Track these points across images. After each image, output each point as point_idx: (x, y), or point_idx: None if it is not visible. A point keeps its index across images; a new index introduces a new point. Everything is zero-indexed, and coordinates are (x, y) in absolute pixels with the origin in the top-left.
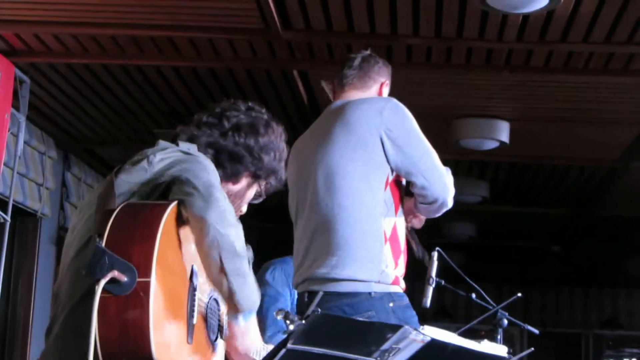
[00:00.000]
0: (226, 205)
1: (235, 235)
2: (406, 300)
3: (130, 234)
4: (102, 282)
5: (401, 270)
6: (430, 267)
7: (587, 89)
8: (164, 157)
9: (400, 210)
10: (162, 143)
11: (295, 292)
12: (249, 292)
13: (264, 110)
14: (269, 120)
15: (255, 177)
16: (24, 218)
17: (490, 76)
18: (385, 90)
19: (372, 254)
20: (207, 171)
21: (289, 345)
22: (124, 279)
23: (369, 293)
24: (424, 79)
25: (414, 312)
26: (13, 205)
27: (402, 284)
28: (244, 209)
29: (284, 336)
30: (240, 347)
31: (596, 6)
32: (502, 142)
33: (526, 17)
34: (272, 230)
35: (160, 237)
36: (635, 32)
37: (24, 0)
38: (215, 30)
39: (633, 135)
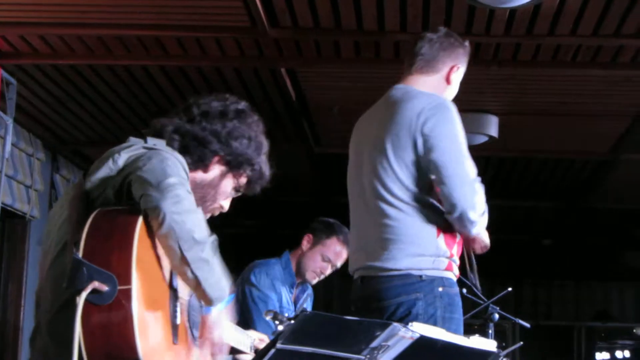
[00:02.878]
0: (183, 192)
1: (193, 221)
2: (456, 288)
3: (107, 242)
4: (84, 294)
5: (455, 258)
6: None
7: (576, 82)
8: (128, 154)
9: None
10: (130, 140)
11: (282, 294)
12: (216, 280)
13: (242, 102)
14: (244, 109)
15: (228, 165)
16: (13, 220)
17: (478, 71)
18: (455, 76)
19: (424, 248)
20: (166, 163)
21: (279, 345)
22: (105, 288)
23: (420, 276)
24: None
25: (460, 302)
26: (2, 207)
27: (456, 271)
28: (226, 205)
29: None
30: (213, 339)
31: None
32: (491, 137)
33: (513, 11)
34: (265, 227)
35: (137, 242)
36: (622, 25)
37: (8, 2)
38: (202, 28)
39: (622, 127)
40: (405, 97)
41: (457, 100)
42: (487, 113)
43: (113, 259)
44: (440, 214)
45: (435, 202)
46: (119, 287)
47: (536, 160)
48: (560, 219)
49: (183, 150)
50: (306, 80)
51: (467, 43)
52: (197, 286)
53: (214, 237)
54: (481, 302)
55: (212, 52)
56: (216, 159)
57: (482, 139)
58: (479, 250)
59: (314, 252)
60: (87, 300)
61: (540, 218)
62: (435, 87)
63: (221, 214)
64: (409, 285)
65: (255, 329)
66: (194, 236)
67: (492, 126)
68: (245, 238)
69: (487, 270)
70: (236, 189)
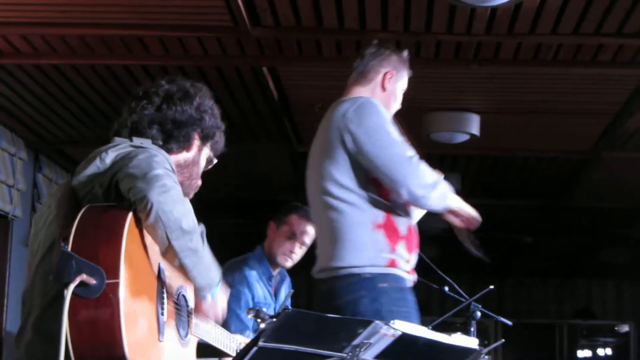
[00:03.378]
0: (170, 182)
1: (181, 211)
2: (404, 283)
3: (96, 236)
4: (72, 287)
5: (402, 254)
6: None
7: (557, 80)
8: (115, 153)
9: (394, 198)
10: (116, 140)
11: (256, 290)
12: (204, 268)
13: (184, 79)
14: (194, 83)
15: (204, 138)
16: None
17: (459, 69)
18: (390, 82)
19: (362, 243)
20: (154, 159)
21: (260, 343)
22: (93, 281)
23: (360, 274)
24: None
25: (410, 297)
26: None
27: (405, 267)
28: (200, 180)
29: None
30: (211, 318)
31: None
32: (472, 135)
33: (494, 10)
34: (247, 226)
35: (126, 237)
36: (603, 23)
37: None
38: (184, 28)
39: (603, 125)
40: (335, 105)
41: (438, 99)
42: (469, 112)
43: (101, 253)
44: (380, 208)
45: (374, 196)
46: (107, 281)
47: (517, 158)
48: (541, 217)
49: (167, 138)
50: (288, 79)
51: (405, 53)
52: (187, 273)
53: (202, 227)
54: (463, 300)
55: (194, 51)
56: (195, 135)
57: (463, 138)
58: (464, 224)
59: (279, 236)
60: (74, 294)
61: (522, 216)
62: (370, 95)
63: (203, 213)
64: (353, 284)
65: (228, 326)
66: (182, 225)
67: (474, 125)
68: (226, 237)
69: (468, 268)
70: (209, 160)
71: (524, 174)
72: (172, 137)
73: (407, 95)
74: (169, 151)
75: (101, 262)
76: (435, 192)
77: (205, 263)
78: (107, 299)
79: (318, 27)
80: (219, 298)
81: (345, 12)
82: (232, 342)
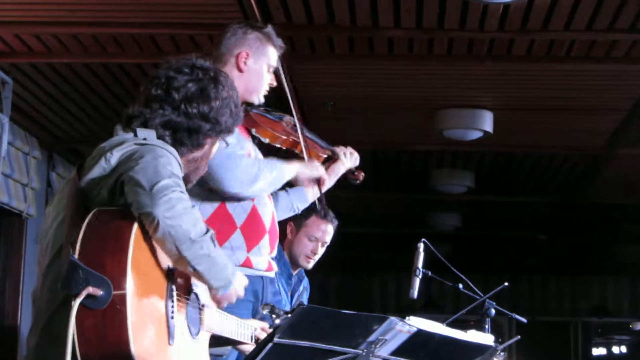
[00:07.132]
0: (176, 195)
1: (187, 222)
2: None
3: (103, 244)
4: (78, 300)
5: (261, 250)
6: (417, 259)
7: (570, 76)
8: (120, 153)
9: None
10: (119, 136)
11: (279, 289)
12: (218, 270)
13: (207, 65)
14: (216, 75)
15: (218, 136)
16: (9, 219)
17: (472, 66)
18: (249, 62)
19: (225, 244)
20: (159, 161)
21: (276, 339)
22: (100, 292)
23: None
24: (406, 71)
25: (250, 292)
26: None
27: (259, 265)
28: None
29: None
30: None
31: None
32: (486, 132)
33: (507, 6)
34: None
35: (132, 245)
36: (616, 19)
37: (3, 1)
38: (195, 26)
39: (617, 121)
40: None
41: (451, 96)
42: (482, 109)
43: (108, 262)
44: (244, 208)
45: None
46: (114, 292)
47: (531, 155)
48: (555, 214)
49: (175, 142)
50: (300, 76)
51: (267, 28)
52: (200, 279)
53: (211, 231)
54: (477, 297)
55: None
56: (208, 140)
57: (476, 135)
58: (306, 184)
59: (300, 237)
60: (81, 304)
61: (536, 213)
62: None
63: None
64: None
65: None
66: (190, 237)
67: (487, 122)
68: None
69: (483, 266)
70: (219, 146)
71: (537, 171)
72: (182, 144)
73: (419, 93)
74: (178, 153)
75: (108, 272)
76: (256, 187)
77: (218, 264)
78: (114, 310)
79: (330, 25)
80: (236, 283)
81: (357, 9)
82: (246, 330)
